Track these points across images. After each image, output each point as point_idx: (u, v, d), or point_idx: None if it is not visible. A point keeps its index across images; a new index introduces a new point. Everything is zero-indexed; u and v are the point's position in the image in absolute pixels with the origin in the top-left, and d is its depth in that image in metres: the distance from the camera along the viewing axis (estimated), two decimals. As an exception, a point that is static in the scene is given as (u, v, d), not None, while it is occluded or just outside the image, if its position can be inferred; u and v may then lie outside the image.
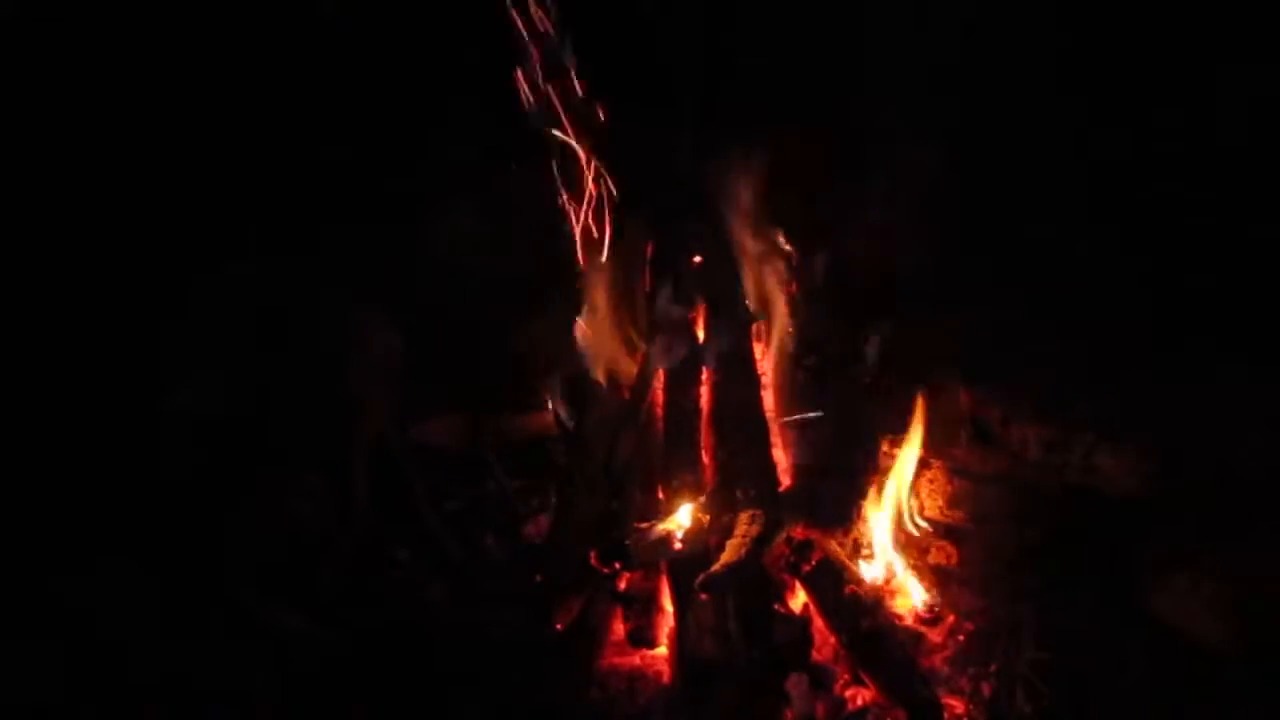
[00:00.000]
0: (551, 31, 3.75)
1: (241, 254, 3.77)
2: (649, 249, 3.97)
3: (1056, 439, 3.37)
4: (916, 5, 3.95)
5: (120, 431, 3.19)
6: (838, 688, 2.70)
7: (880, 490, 3.22)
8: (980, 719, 2.60)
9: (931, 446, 3.55)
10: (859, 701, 2.64)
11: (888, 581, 3.14)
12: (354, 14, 4.14)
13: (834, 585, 2.86)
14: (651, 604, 2.93)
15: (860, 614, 2.76)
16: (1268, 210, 3.57)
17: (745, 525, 2.86)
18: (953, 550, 3.23)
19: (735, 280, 3.76)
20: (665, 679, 2.79)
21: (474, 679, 2.73)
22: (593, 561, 2.84)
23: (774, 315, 3.72)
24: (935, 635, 2.92)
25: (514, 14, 3.74)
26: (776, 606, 2.85)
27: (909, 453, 3.24)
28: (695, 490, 3.16)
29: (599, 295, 3.79)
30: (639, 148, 3.95)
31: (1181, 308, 3.53)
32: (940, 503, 3.38)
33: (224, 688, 2.67)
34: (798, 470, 3.27)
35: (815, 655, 2.80)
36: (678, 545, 2.96)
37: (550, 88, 3.76)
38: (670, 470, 3.26)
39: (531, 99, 3.77)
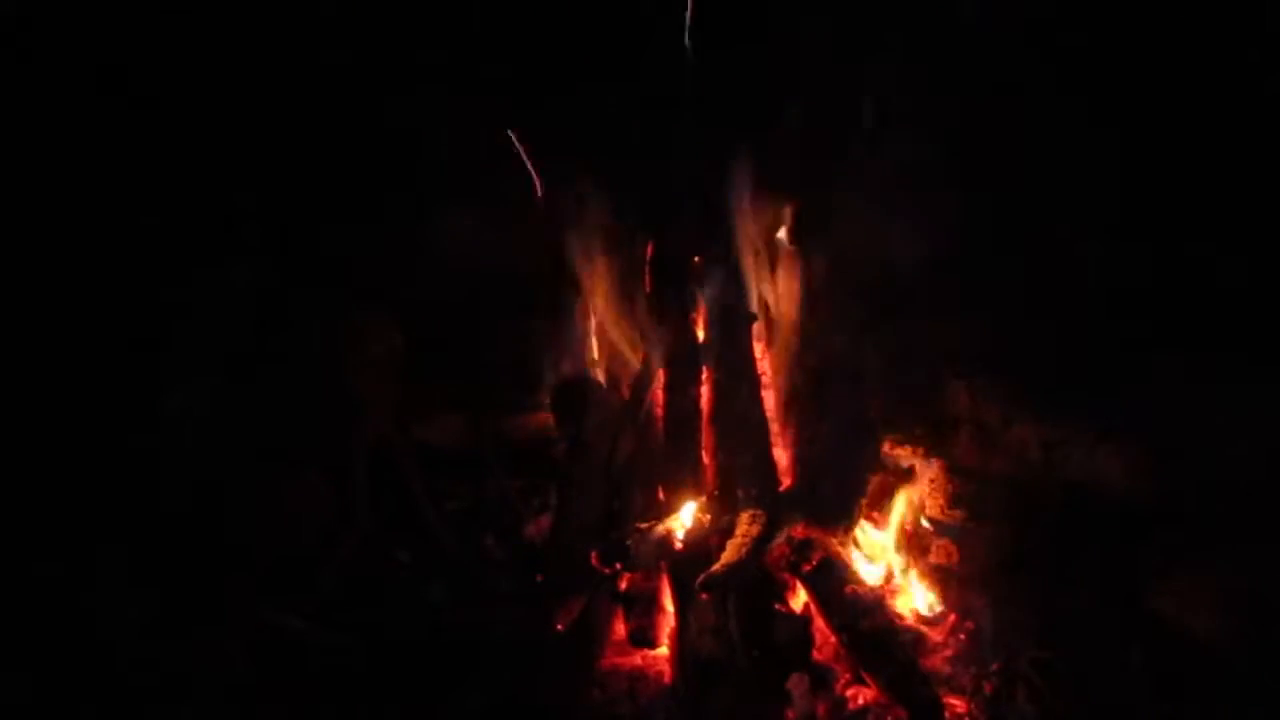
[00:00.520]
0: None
1: (241, 254, 3.77)
2: (649, 249, 3.97)
3: (1056, 439, 3.37)
4: (917, 5, 3.95)
5: (120, 431, 3.19)
6: (839, 687, 2.70)
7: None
8: (981, 718, 2.60)
9: (931, 449, 3.57)
10: (860, 701, 2.64)
11: (888, 581, 3.15)
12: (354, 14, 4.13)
13: (835, 585, 2.86)
14: (652, 604, 2.93)
15: (861, 613, 2.76)
16: (1268, 210, 3.57)
17: (746, 525, 2.86)
18: (953, 550, 3.24)
19: (735, 280, 3.76)
20: (666, 679, 2.79)
21: (474, 679, 2.73)
22: (593, 562, 2.83)
23: (774, 315, 3.72)
24: (936, 635, 2.92)
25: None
26: (777, 606, 2.86)
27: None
28: (696, 490, 3.16)
29: (599, 295, 3.79)
30: (639, 148, 3.96)
31: (1182, 308, 3.53)
32: (940, 503, 3.38)
33: (224, 688, 2.67)
34: (798, 470, 3.27)
35: (816, 655, 2.80)
36: (678, 545, 2.97)
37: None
38: (671, 470, 3.26)
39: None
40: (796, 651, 2.75)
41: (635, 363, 3.75)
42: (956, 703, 2.65)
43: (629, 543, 2.82)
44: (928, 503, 3.39)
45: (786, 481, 3.24)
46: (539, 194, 4.05)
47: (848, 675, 2.73)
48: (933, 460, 3.53)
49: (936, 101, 3.83)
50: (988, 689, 2.67)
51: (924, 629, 2.93)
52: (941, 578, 3.12)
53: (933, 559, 3.23)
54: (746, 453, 3.21)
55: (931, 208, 3.51)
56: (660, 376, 3.58)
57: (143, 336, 3.43)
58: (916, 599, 3.03)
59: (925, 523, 3.34)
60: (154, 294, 3.54)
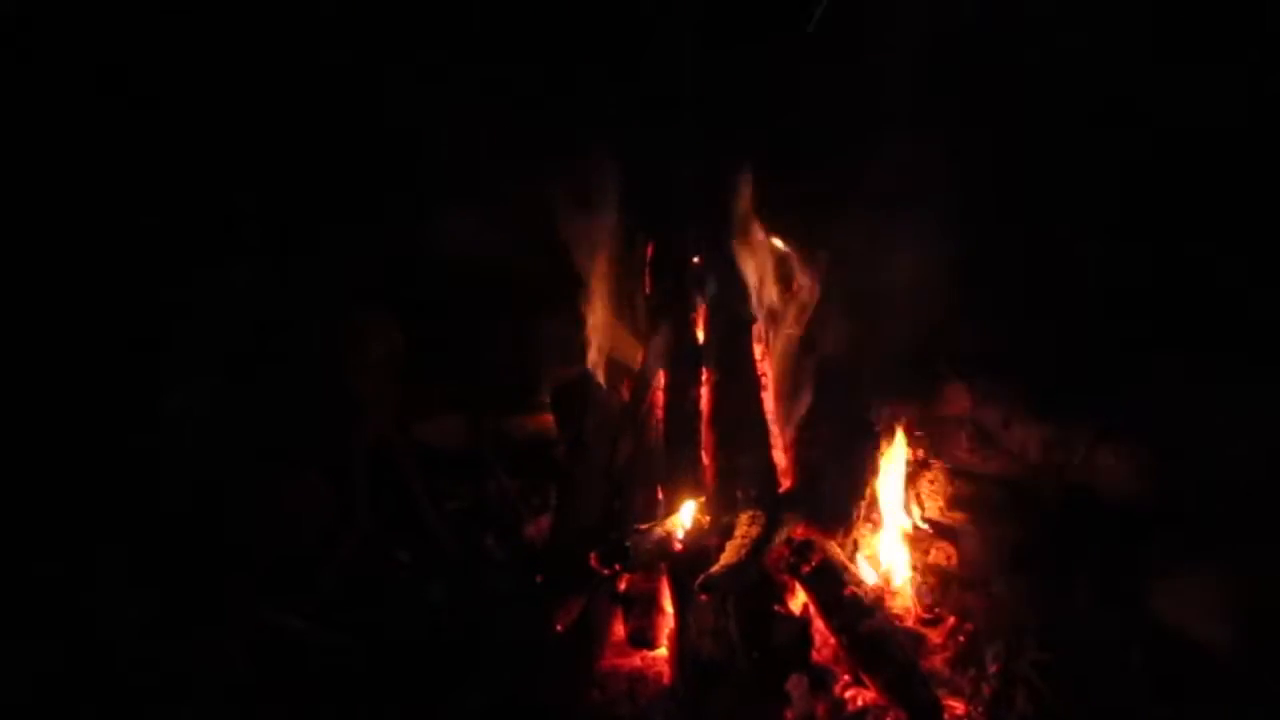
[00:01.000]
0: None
1: (241, 254, 3.77)
2: (649, 249, 3.97)
3: (1056, 439, 3.37)
4: (917, 6, 3.94)
5: (120, 431, 3.19)
6: (838, 689, 2.70)
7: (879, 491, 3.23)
8: (981, 720, 2.61)
9: (929, 447, 3.57)
10: (859, 702, 2.65)
11: (888, 582, 3.15)
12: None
13: (834, 586, 2.86)
14: (652, 605, 2.93)
15: (860, 615, 2.76)
16: (1268, 210, 3.57)
17: (745, 526, 2.86)
18: (953, 550, 3.24)
19: (735, 280, 3.76)
20: (666, 680, 2.79)
21: (474, 679, 2.73)
22: (593, 562, 2.83)
23: (774, 316, 3.72)
24: (935, 636, 2.92)
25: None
26: (777, 607, 2.85)
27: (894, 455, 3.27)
28: (695, 491, 3.16)
29: (599, 295, 3.79)
30: (639, 149, 3.95)
31: (1182, 308, 3.53)
32: (940, 503, 3.38)
33: (224, 688, 2.67)
34: (798, 471, 3.27)
35: (815, 656, 2.80)
36: (678, 546, 2.97)
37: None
38: (670, 471, 3.26)
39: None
40: (796, 653, 2.75)
41: (635, 363, 3.75)
42: (956, 704, 2.65)
43: (629, 543, 2.81)
44: (928, 503, 3.39)
45: (786, 483, 3.23)
46: (539, 194, 4.04)
47: (847, 677, 2.74)
48: (933, 460, 3.54)
49: (936, 101, 3.83)
50: (987, 691, 2.67)
51: (923, 630, 2.93)
52: (941, 579, 3.12)
53: (932, 559, 3.23)
54: (746, 454, 3.20)
55: (931, 208, 3.51)
56: (660, 377, 3.58)
57: (143, 336, 3.43)
58: (916, 600, 3.02)
59: (925, 523, 3.34)
60: (154, 294, 3.53)
